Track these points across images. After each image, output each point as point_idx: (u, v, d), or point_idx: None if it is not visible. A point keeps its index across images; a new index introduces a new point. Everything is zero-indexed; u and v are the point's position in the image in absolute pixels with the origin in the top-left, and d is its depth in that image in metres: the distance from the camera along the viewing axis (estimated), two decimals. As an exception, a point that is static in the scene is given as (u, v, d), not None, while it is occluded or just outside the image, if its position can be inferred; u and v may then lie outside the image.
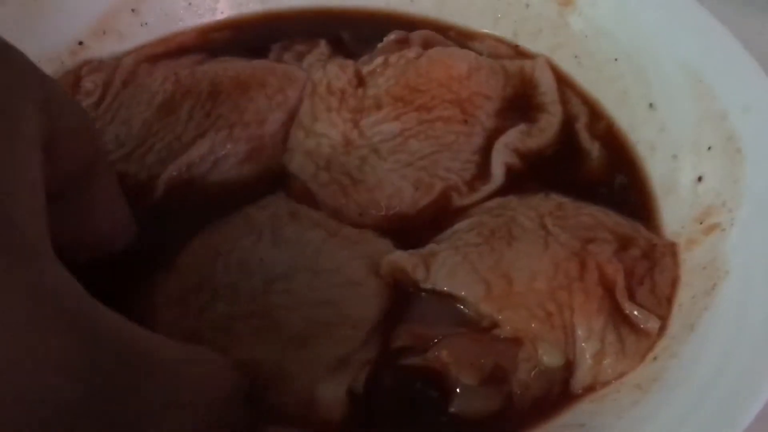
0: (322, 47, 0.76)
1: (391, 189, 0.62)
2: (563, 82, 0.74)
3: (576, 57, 0.75)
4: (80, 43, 0.75)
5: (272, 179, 0.65)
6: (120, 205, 0.52)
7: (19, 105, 0.35)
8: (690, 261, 0.57)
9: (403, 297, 0.56)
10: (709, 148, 0.61)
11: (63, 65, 0.74)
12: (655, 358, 0.51)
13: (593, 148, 0.68)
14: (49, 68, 0.71)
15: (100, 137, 0.53)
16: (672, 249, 0.58)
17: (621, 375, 0.51)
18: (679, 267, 0.57)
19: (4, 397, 0.26)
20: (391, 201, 0.62)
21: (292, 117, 0.68)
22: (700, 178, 0.61)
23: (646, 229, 0.60)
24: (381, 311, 0.54)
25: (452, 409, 0.51)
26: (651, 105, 0.68)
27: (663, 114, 0.66)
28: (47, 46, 0.72)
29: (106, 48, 0.76)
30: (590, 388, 0.52)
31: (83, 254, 0.46)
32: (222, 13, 0.81)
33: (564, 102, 0.71)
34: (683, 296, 0.55)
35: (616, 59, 0.71)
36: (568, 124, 0.70)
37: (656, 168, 0.66)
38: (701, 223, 0.58)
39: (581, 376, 0.52)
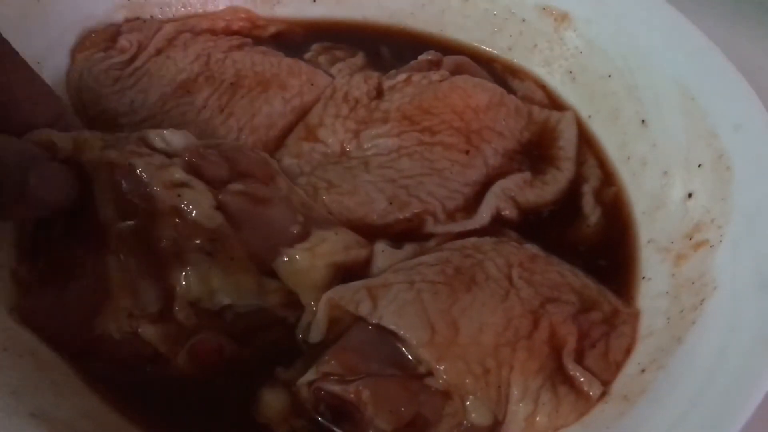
0: (359, 59, 0.77)
1: (363, 197, 0.62)
2: (586, 141, 0.72)
3: (570, 72, 0.76)
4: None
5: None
6: (37, 82, 0.57)
7: None
8: (679, 276, 0.58)
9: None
10: (700, 166, 0.62)
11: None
12: (642, 371, 0.52)
13: (593, 214, 0.67)
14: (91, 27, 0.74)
15: None
16: (634, 318, 0.57)
17: (555, 428, 0.51)
18: (637, 336, 0.56)
19: None
20: (360, 208, 0.61)
21: (301, 119, 0.69)
22: (690, 195, 0.62)
23: (615, 296, 0.59)
24: None
25: None
26: (643, 122, 0.69)
27: (655, 131, 0.67)
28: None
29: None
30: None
31: (16, 129, 0.53)
32: (280, 8, 0.82)
33: (579, 162, 0.70)
34: (672, 310, 0.55)
35: (609, 75, 0.72)
36: (575, 184, 0.69)
37: (647, 183, 0.67)
38: (690, 239, 0.59)
39: None
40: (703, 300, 0.53)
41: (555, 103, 0.76)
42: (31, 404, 0.44)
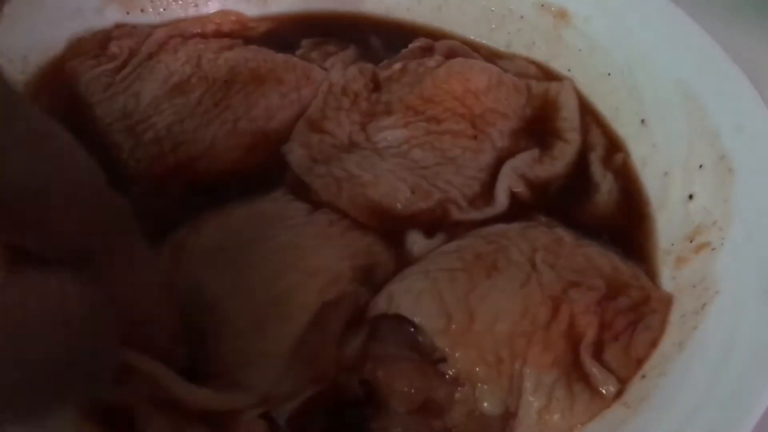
0: (350, 51, 0.76)
1: (386, 188, 0.61)
2: (586, 109, 0.72)
3: (569, 70, 0.75)
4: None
5: (269, 165, 0.64)
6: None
7: None
8: (680, 279, 0.57)
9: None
10: (701, 167, 0.61)
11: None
12: (643, 377, 0.51)
13: (605, 182, 0.66)
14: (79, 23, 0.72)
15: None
16: (666, 304, 0.55)
17: (570, 428, 0.49)
18: (666, 327, 0.54)
19: None
20: (385, 199, 0.60)
21: (302, 113, 0.68)
22: (691, 196, 0.61)
23: (647, 278, 0.57)
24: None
25: (374, 424, 0.50)
26: (643, 121, 0.68)
27: (655, 131, 0.66)
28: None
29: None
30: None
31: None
32: (269, 6, 0.81)
33: (584, 131, 0.69)
34: (673, 315, 0.54)
35: (609, 74, 0.71)
36: (583, 154, 0.68)
37: (647, 184, 0.66)
38: (691, 242, 0.58)
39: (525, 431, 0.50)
40: (704, 304, 0.52)
41: (549, 75, 0.75)
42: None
